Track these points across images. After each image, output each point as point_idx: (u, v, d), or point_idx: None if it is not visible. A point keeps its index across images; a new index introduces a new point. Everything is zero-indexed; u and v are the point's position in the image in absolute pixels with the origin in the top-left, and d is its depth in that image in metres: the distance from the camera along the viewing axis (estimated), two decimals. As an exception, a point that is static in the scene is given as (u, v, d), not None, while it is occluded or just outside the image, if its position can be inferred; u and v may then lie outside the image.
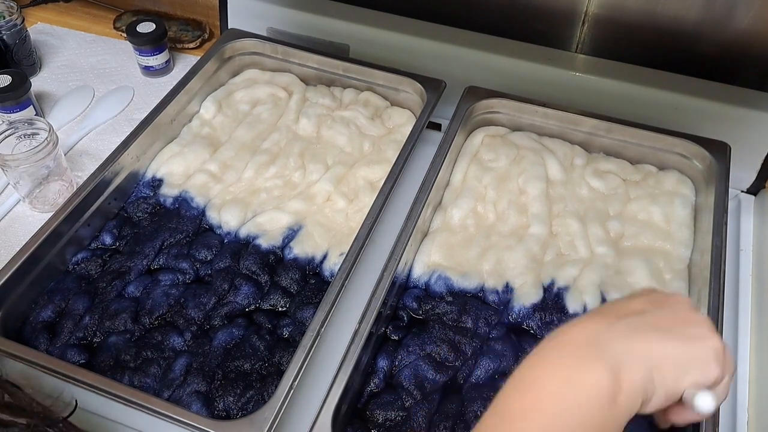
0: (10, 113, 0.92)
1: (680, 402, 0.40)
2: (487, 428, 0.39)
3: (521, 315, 0.70)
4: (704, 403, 0.39)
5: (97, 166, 0.78)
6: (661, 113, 0.84)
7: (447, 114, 0.85)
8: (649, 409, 0.40)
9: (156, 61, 1.03)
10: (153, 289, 0.72)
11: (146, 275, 0.74)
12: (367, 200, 0.79)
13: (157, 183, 0.83)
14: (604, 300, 0.70)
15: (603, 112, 0.83)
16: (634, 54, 0.88)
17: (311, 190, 0.81)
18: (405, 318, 0.71)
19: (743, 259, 0.80)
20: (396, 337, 0.69)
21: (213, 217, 0.79)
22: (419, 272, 0.74)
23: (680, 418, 0.42)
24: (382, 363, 0.66)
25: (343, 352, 0.62)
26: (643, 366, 0.39)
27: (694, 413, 0.40)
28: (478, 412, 0.63)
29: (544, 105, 0.85)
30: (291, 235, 0.77)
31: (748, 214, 0.84)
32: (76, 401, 0.56)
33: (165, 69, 1.05)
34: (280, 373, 0.62)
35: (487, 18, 0.92)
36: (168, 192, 0.81)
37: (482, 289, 0.72)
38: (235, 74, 0.96)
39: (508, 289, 0.72)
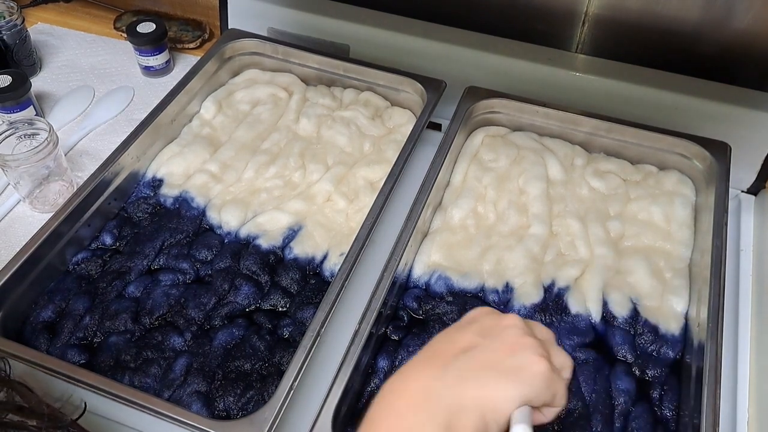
0: (11, 113, 0.92)
1: None
2: None
3: (521, 315, 0.70)
4: None
5: (97, 167, 0.78)
6: (661, 113, 0.84)
7: (447, 114, 0.85)
8: None
9: (156, 61, 1.03)
10: (153, 289, 0.72)
11: (146, 275, 0.74)
12: (368, 200, 0.79)
13: (157, 183, 0.83)
14: (605, 303, 0.71)
15: (603, 112, 0.83)
16: (634, 54, 0.88)
17: (311, 190, 0.81)
18: (405, 318, 0.71)
19: (743, 259, 0.80)
20: (396, 338, 0.69)
21: (213, 217, 0.79)
22: (419, 272, 0.74)
23: None
24: (383, 363, 0.66)
25: (343, 353, 0.62)
26: (474, 413, 0.40)
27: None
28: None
29: (544, 105, 0.85)
30: (291, 235, 0.77)
31: (748, 214, 0.84)
32: (85, 404, 0.56)
33: (165, 69, 1.05)
34: (281, 374, 0.62)
35: (487, 18, 0.92)
36: (168, 192, 0.82)
37: (482, 289, 0.72)
38: (235, 74, 0.96)
39: (508, 289, 0.72)
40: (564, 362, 0.45)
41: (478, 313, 0.48)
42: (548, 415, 0.45)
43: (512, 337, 0.44)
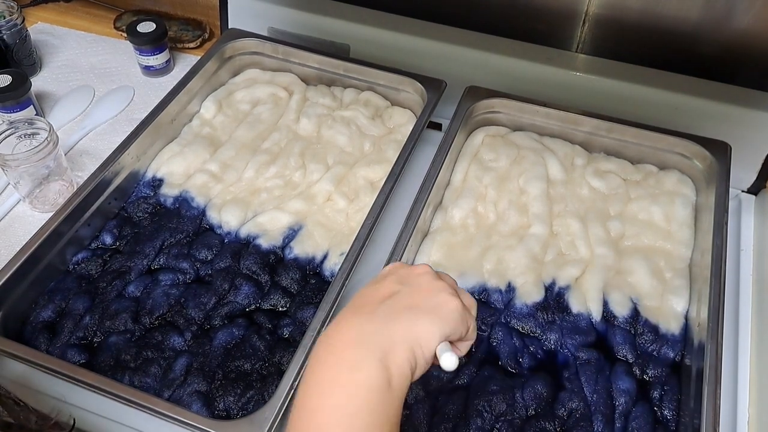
0: (11, 113, 0.92)
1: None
2: (291, 428, 0.44)
3: (523, 313, 0.70)
4: (447, 362, 0.45)
5: (97, 166, 0.78)
6: (661, 113, 0.84)
7: (447, 114, 0.85)
8: (417, 376, 0.46)
9: (156, 60, 1.03)
10: (153, 288, 0.72)
11: (146, 275, 0.74)
12: (368, 200, 0.79)
13: (157, 183, 0.83)
14: (605, 303, 0.71)
15: (603, 112, 0.83)
16: (635, 54, 0.88)
17: (312, 189, 0.81)
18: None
19: (744, 258, 0.80)
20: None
21: (213, 216, 0.79)
22: (420, 272, 0.74)
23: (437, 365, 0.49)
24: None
25: (343, 352, 0.62)
26: (404, 347, 0.44)
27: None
28: (481, 410, 0.63)
29: (544, 105, 0.85)
30: (291, 234, 0.77)
31: (748, 214, 0.84)
32: (74, 420, 0.56)
33: (165, 69, 1.05)
34: (281, 373, 0.62)
35: (487, 18, 0.92)
36: (168, 192, 0.81)
37: (484, 289, 0.72)
38: (235, 74, 0.96)
39: (510, 288, 0.72)
40: (471, 302, 0.51)
41: (391, 267, 0.53)
42: (463, 349, 0.50)
43: (427, 283, 0.49)
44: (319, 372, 0.45)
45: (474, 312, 0.51)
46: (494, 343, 0.68)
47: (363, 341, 0.44)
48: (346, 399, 0.42)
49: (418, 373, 0.46)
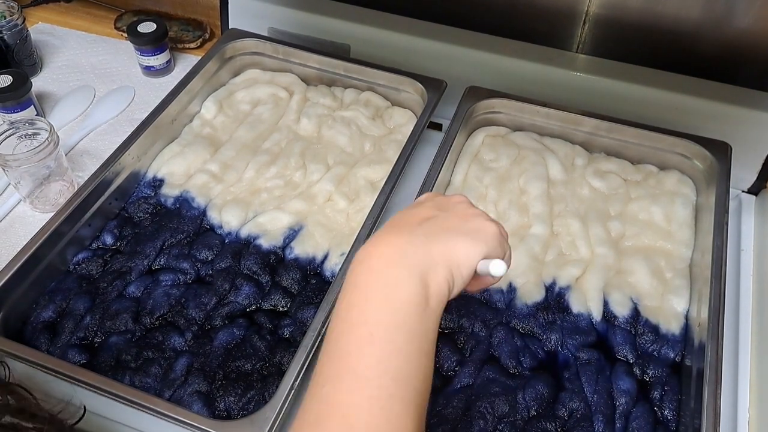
0: (11, 113, 0.92)
1: (476, 275, 0.48)
2: (327, 342, 0.44)
3: (524, 313, 0.70)
4: (498, 269, 0.46)
5: (98, 166, 0.78)
6: (661, 113, 0.84)
7: (448, 114, 0.85)
8: (453, 295, 0.47)
9: (157, 61, 1.03)
10: (154, 289, 0.72)
11: (147, 275, 0.74)
12: (368, 200, 0.79)
13: (158, 183, 0.83)
14: (606, 303, 0.71)
15: (604, 112, 0.83)
16: (635, 54, 0.88)
17: (312, 190, 0.81)
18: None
19: (744, 259, 0.80)
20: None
21: (214, 217, 0.79)
22: (420, 272, 0.74)
23: (478, 286, 0.51)
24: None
25: (344, 352, 0.62)
26: (443, 266, 0.45)
27: (490, 279, 0.49)
28: (483, 412, 0.63)
29: (545, 105, 0.85)
30: (292, 235, 0.77)
31: (748, 214, 0.84)
32: (84, 407, 0.56)
33: (166, 69, 1.05)
34: (281, 373, 0.62)
35: (487, 18, 0.92)
36: (169, 192, 0.82)
37: (485, 289, 0.72)
38: (236, 74, 0.96)
39: (510, 288, 0.72)
40: (505, 232, 0.51)
41: (427, 195, 0.54)
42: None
43: (464, 209, 0.50)
44: (359, 288, 0.45)
45: (507, 243, 0.51)
46: (495, 343, 0.68)
47: (403, 259, 0.45)
48: (387, 315, 0.43)
49: (455, 292, 0.47)
